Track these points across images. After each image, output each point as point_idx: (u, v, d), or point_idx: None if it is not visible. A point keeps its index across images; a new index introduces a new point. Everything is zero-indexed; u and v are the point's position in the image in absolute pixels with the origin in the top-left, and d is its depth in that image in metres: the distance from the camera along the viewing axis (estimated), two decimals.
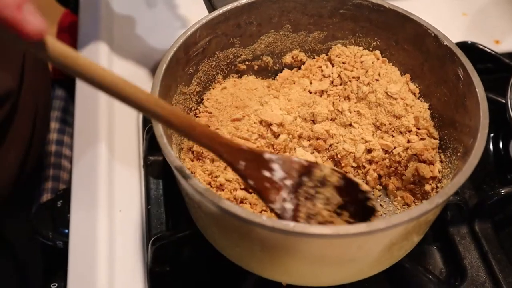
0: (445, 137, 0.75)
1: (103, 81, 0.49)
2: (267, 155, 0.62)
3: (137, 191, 0.86)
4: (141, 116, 0.94)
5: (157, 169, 0.86)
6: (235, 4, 0.77)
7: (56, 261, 0.87)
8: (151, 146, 0.86)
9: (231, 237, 0.63)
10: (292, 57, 0.86)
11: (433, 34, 0.74)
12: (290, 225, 0.54)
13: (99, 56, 1.02)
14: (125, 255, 0.79)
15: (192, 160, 0.76)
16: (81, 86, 1.00)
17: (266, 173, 0.62)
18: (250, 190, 0.72)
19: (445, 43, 0.72)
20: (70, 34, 1.20)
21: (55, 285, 0.81)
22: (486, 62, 0.79)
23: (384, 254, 0.62)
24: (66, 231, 0.83)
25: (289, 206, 0.62)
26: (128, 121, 0.94)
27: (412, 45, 0.78)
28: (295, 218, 0.62)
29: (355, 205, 0.65)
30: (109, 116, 0.94)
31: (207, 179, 0.73)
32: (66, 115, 1.12)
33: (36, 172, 1.03)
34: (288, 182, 0.63)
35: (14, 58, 0.88)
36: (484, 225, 0.79)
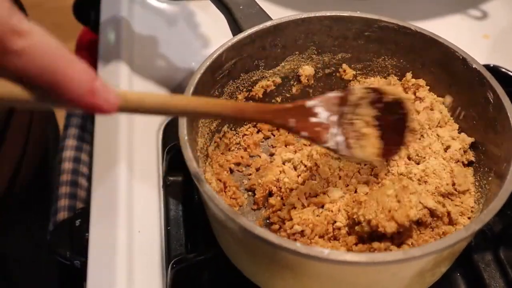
0: (474, 160, 0.75)
1: (174, 109, 0.55)
2: (308, 103, 0.66)
3: (156, 211, 0.85)
4: (161, 136, 0.94)
5: (176, 189, 0.86)
6: (261, 26, 0.77)
7: (73, 281, 0.86)
8: (171, 166, 0.86)
9: (262, 263, 0.63)
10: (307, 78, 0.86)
11: (461, 57, 0.74)
12: (325, 252, 0.53)
13: (119, 76, 1.02)
14: (144, 276, 0.78)
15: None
16: None
17: (314, 119, 0.65)
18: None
19: (473, 66, 0.72)
20: (89, 52, 1.20)
21: None
22: (510, 86, 0.78)
23: (417, 280, 0.62)
24: (84, 250, 0.82)
25: (340, 138, 0.67)
26: (148, 141, 0.94)
27: (439, 67, 0.78)
28: (348, 146, 0.67)
29: (389, 112, 0.70)
30: (129, 136, 0.93)
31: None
32: (84, 132, 1.12)
33: (49, 190, 1.02)
34: (333, 118, 0.67)
35: None
36: (510, 252, 0.78)
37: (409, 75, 0.82)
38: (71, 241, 0.84)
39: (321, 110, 0.66)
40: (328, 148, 0.66)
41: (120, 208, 0.84)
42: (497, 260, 0.78)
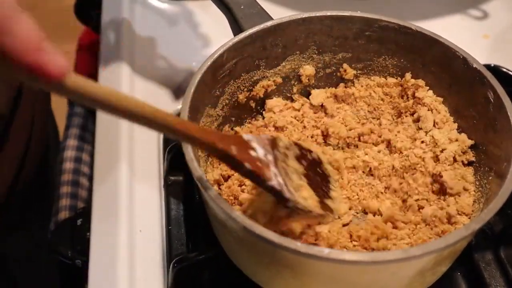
0: (474, 160, 0.75)
1: (120, 106, 0.50)
2: (245, 136, 0.63)
3: (157, 211, 0.85)
4: (162, 136, 0.94)
5: (177, 189, 0.86)
6: (262, 26, 0.77)
7: (74, 280, 0.86)
8: (172, 166, 0.86)
9: (262, 262, 0.63)
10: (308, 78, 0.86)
11: (461, 57, 0.74)
12: (325, 251, 0.53)
13: (120, 76, 1.02)
14: (145, 275, 0.78)
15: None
16: None
17: (253, 153, 0.62)
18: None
19: (474, 65, 0.72)
20: (90, 52, 1.20)
21: None
22: (510, 86, 0.78)
23: (417, 279, 0.62)
24: (85, 250, 0.82)
25: (281, 180, 0.63)
26: (149, 141, 0.94)
27: (440, 67, 0.78)
28: (288, 192, 0.63)
29: (314, 171, 0.69)
30: (130, 136, 0.94)
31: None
32: (85, 132, 1.12)
33: (51, 190, 1.03)
34: (270, 157, 0.63)
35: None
36: (510, 252, 0.78)
37: (408, 75, 0.82)
38: (72, 240, 0.85)
39: (257, 146, 0.63)
40: (272, 188, 0.62)
41: (121, 207, 0.85)
42: (497, 259, 0.78)
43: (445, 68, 0.77)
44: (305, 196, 0.65)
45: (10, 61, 0.42)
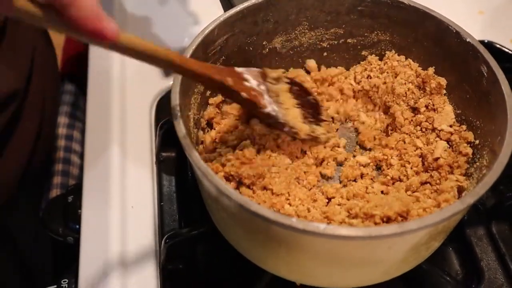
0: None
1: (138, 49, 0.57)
2: (238, 69, 0.68)
3: (149, 187, 0.85)
4: (153, 112, 0.93)
5: (169, 165, 0.86)
6: (253, 1, 0.76)
7: (66, 257, 0.86)
8: (164, 142, 0.86)
9: (256, 239, 0.63)
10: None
11: (454, 31, 0.73)
12: (321, 227, 0.53)
13: (112, 55, 1.01)
14: (137, 251, 0.79)
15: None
16: (93, 82, 0.99)
17: (247, 83, 0.67)
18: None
19: (467, 40, 0.72)
20: None
21: (65, 281, 0.80)
22: (505, 62, 0.78)
23: (412, 254, 0.62)
24: (77, 226, 0.82)
25: (275, 107, 0.70)
26: (140, 117, 0.93)
27: (433, 41, 0.78)
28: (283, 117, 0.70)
29: (303, 100, 0.76)
30: (122, 112, 0.93)
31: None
32: (76, 109, 1.11)
33: (44, 167, 1.02)
34: (262, 87, 0.69)
35: (22, 59, 0.88)
36: (502, 227, 0.79)
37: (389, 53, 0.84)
38: (64, 217, 0.84)
39: (250, 77, 0.68)
40: (268, 114, 0.69)
41: (113, 183, 0.85)
42: (489, 234, 0.79)
43: (438, 42, 0.77)
44: (298, 121, 0.72)
45: (76, 28, 0.50)
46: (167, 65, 0.60)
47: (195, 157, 0.59)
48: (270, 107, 0.69)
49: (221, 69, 0.66)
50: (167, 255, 0.75)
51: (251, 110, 0.70)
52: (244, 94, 0.66)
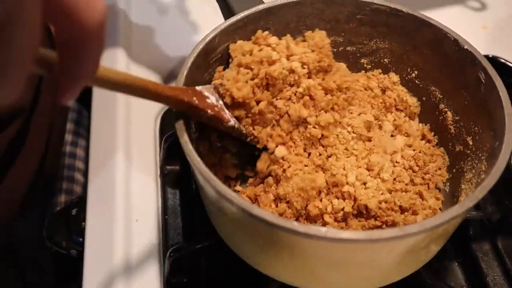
0: (466, 141, 0.75)
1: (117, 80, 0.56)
2: (197, 88, 0.69)
3: (153, 200, 0.85)
4: (158, 125, 0.94)
5: (174, 178, 0.86)
6: (253, 9, 0.77)
7: (69, 270, 0.86)
8: (168, 155, 0.86)
9: (258, 244, 0.63)
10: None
11: (452, 38, 0.74)
12: (322, 230, 0.53)
13: (117, 63, 1.03)
14: (141, 265, 0.79)
15: None
16: (98, 95, 1.00)
17: (209, 100, 0.69)
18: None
19: (465, 47, 0.72)
20: None
21: None
22: (509, 77, 0.78)
23: (412, 257, 0.63)
24: (81, 239, 0.82)
25: (235, 120, 0.71)
26: (145, 130, 0.94)
27: (431, 49, 0.78)
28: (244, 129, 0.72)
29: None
30: (126, 125, 0.94)
31: None
32: (79, 127, 1.11)
33: (49, 186, 1.02)
34: (221, 102, 0.70)
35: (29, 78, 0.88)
36: (508, 242, 0.79)
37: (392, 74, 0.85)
38: (68, 230, 0.84)
39: (209, 94, 0.69)
40: (233, 127, 0.70)
41: (117, 196, 0.85)
42: (495, 249, 0.79)
43: (436, 50, 0.77)
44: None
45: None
46: (143, 94, 0.60)
47: (196, 161, 0.60)
48: (232, 121, 0.70)
49: (186, 90, 0.67)
50: (171, 269, 0.75)
51: (215, 125, 0.71)
52: (209, 112, 0.67)
